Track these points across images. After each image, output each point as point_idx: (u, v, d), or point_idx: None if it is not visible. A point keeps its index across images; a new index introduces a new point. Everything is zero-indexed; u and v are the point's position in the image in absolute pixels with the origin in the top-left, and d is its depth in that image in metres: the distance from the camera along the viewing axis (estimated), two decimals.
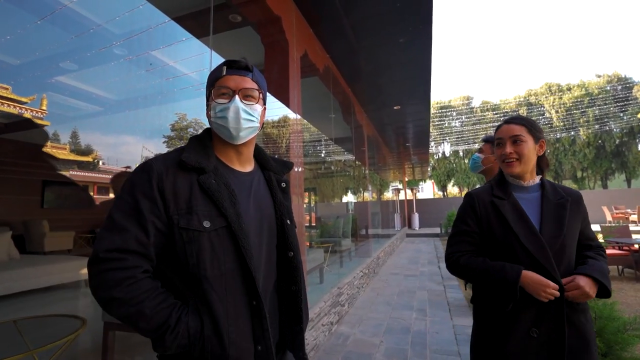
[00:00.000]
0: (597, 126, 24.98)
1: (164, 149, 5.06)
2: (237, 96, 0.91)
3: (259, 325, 0.83)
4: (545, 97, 27.17)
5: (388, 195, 22.73)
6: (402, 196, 19.05)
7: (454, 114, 30.48)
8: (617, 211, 14.84)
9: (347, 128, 6.92)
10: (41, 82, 4.02)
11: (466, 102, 30.37)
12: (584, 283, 1.07)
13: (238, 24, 3.46)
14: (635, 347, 2.18)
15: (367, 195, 11.48)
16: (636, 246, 5.65)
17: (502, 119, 26.39)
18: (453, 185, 31.25)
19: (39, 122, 4.11)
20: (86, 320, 1.96)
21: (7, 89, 3.87)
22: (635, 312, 3.60)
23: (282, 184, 1.06)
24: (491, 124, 27.80)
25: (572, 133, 25.74)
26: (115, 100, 4.63)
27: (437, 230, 15.88)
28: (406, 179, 20.48)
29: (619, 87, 25.50)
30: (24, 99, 3.97)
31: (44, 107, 4.11)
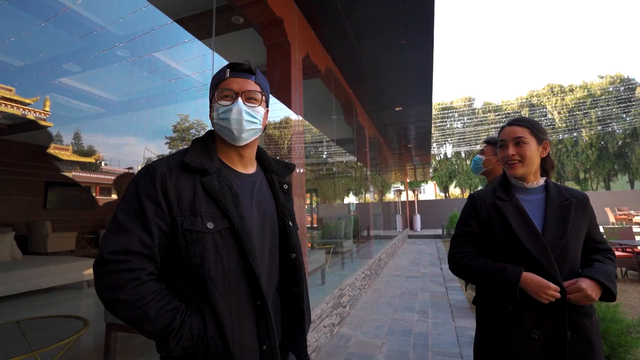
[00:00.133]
0: (599, 127, 24.91)
1: (166, 150, 5.08)
2: (239, 98, 0.91)
3: (263, 325, 0.84)
4: (548, 98, 27.12)
5: (390, 196, 22.72)
6: (403, 197, 19.03)
7: (456, 115, 30.46)
8: (620, 213, 14.74)
9: (349, 129, 6.92)
10: (44, 84, 4.04)
11: (468, 103, 30.34)
12: (586, 285, 1.06)
13: (240, 25, 3.47)
14: (639, 349, 2.17)
15: (369, 197, 11.48)
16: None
17: (504, 120, 26.43)
18: (455, 187, 31.20)
19: (42, 123, 4.13)
20: (88, 321, 1.96)
21: (10, 90, 3.90)
22: (639, 315, 3.58)
23: (284, 185, 1.06)
24: (493, 125, 27.77)
25: (575, 134, 25.68)
26: (118, 102, 4.66)
27: (439, 231, 15.84)
28: (408, 180, 20.46)
29: (622, 88, 25.42)
30: (27, 100, 4.00)
31: (47, 108, 4.13)
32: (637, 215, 13.89)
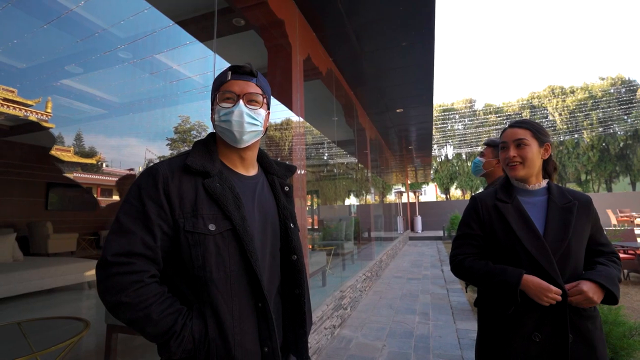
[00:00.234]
0: (600, 129, 24.88)
1: (167, 152, 5.09)
2: (241, 100, 0.92)
3: (265, 327, 0.83)
4: (549, 100, 27.11)
5: (391, 198, 22.70)
6: (404, 199, 19.02)
7: (457, 116, 30.47)
8: (622, 214, 14.68)
9: (350, 131, 6.93)
10: (46, 85, 4.06)
11: (469, 104, 30.36)
12: (587, 288, 1.06)
13: (241, 27, 3.48)
14: None
15: (370, 198, 11.47)
16: None
17: (505, 121, 26.44)
18: (456, 188, 31.17)
19: (44, 124, 4.14)
20: (89, 323, 1.96)
21: (13, 91, 3.92)
22: None
23: (286, 187, 1.06)
24: (494, 127, 27.77)
25: (576, 136, 25.66)
26: (119, 103, 4.67)
27: (440, 233, 15.82)
28: (409, 182, 20.45)
29: (623, 90, 25.40)
30: (29, 102, 4.01)
31: (48, 110, 4.15)
32: (639, 217, 13.84)
